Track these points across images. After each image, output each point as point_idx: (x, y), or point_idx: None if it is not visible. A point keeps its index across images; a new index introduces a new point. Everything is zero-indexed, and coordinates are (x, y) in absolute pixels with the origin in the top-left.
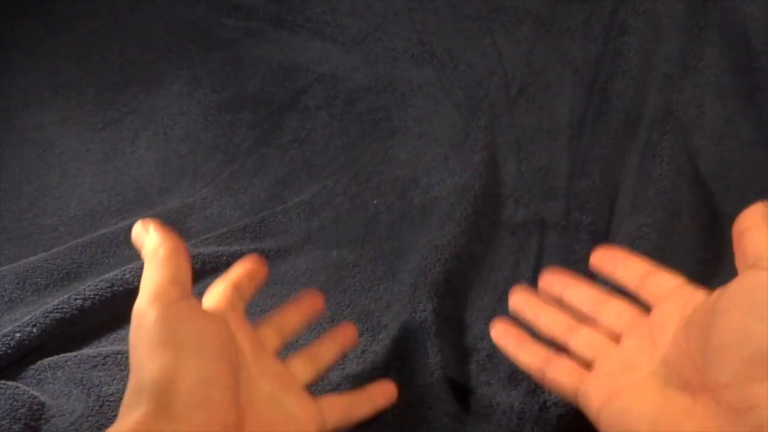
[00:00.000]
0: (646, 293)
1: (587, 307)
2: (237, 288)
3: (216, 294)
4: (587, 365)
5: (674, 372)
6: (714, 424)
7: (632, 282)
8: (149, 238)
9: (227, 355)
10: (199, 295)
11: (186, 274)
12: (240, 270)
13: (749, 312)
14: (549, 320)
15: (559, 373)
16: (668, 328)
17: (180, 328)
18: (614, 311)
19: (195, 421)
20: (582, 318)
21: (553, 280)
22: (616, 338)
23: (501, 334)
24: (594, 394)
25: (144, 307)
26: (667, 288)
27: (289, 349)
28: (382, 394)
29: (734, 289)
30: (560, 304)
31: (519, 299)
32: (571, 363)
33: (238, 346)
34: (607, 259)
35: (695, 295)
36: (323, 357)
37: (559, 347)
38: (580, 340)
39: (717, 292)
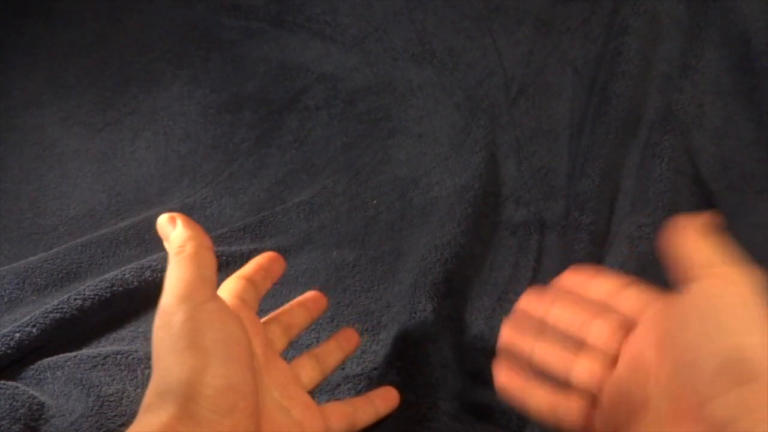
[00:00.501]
0: (623, 309)
1: (575, 328)
2: (251, 283)
3: (229, 289)
4: (592, 400)
5: (664, 398)
6: None
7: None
8: (176, 232)
9: (250, 359)
10: None
11: (213, 273)
12: (255, 264)
13: (709, 322)
14: (546, 352)
15: (568, 415)
16: (648, 347)
17: (209, 331)
18: (603, 331)
19: (220, 428)
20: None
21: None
22: (614, 360)
23: (506, 381)
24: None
25: (172, 306)
26: (639, 303)
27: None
28: (384, 400)
29: (690, 303)
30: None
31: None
32: (578, 403)
33: (253, 347)
34: (576, 279)
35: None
36: (329, 361)
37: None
38: (581, 372)
39: (675, 306)
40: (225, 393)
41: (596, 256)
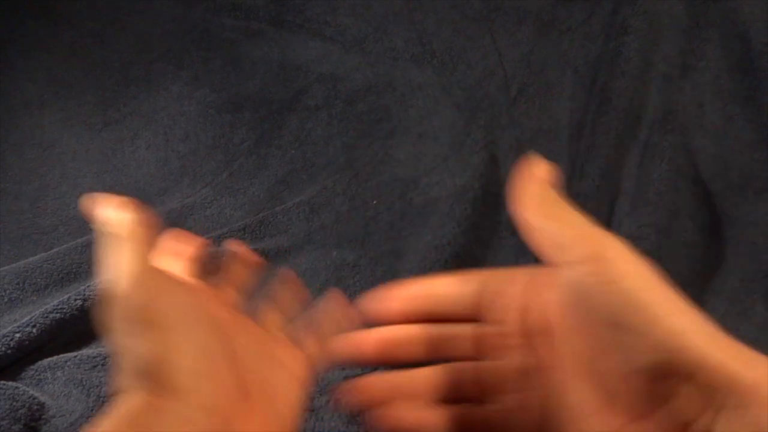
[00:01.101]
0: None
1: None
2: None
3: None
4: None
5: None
6: None
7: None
8: (104, 212)
9: (211, 322)
10: None
11: (149, 244)
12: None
13: (630, 321)
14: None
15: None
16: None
17: (161, 303)
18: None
19: (202, 393)
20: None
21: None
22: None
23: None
24: None
25: (116, 286)
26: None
27: None
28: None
29: (568, 300)
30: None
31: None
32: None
33: (208, 309)
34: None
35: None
36: (286, 305)
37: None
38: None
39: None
40: (197, 358)
41: None
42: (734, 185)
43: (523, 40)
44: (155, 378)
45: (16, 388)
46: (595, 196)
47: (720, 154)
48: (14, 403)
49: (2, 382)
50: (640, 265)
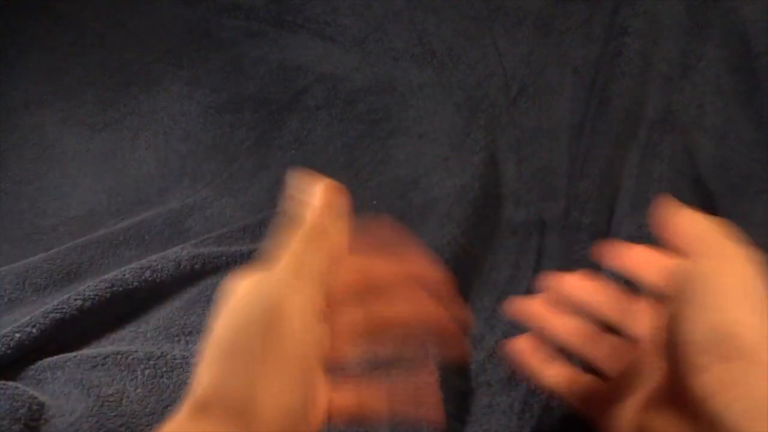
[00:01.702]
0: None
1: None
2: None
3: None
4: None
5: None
6: None
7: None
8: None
9: (316, 374)
10: (199, 296)
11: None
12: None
13: (706, 297)
14: (568, 329)
15: (585, 391)
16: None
17: (283, 348)
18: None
19: None
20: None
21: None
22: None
23: (522, 354)
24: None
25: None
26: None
27: None
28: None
29: (691, 278)
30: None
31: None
32: (594, 380)
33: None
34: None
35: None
36: None
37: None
38: (602, 350)
39: (677, 281)
40: (285, 415)
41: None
42: (734, 185)
43: (523, 40)
44: (241, 419)
45: (16, 388)
46: (595, 196)
47: (720, 154)
48: (14, 403)
49: (2, 382)
50: (742, 266)
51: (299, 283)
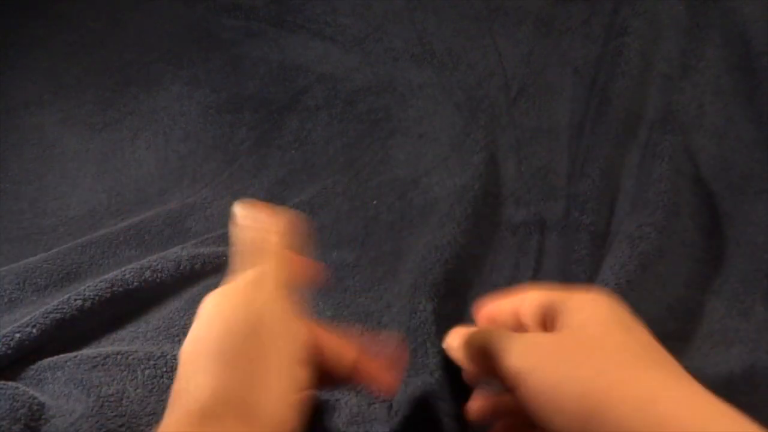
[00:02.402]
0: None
1: None
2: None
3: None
4: None
5: None
6: None
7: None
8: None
9: (307, 366)
10: (199, 296)
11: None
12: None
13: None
14: None
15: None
16: None
17: (273, 347)
18: None
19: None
20: None
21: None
22: None
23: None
24: None
25: (243, 315)
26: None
27: None
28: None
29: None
30: None
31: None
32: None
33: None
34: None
35: None
36: None
37: None
38: None
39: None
40: (284, 410)
41: (596, 256)
42: (734, 185)
43: (523, 40)
44: (244, 420)
45: (16, 388)
46: (595, 196)
47: (720, 154)
48: (14, 403)
49: (2, 382)
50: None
51: (270, 291)
